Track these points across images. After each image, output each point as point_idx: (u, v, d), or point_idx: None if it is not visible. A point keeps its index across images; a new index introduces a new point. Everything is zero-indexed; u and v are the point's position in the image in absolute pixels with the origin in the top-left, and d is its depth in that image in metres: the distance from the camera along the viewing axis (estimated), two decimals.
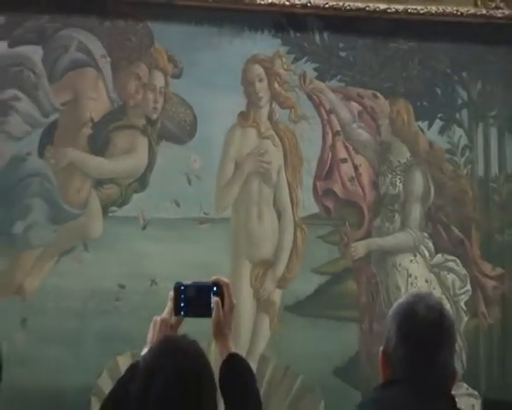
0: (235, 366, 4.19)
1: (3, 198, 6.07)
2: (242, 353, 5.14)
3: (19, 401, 5.10)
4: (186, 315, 4.35)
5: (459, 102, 6.59)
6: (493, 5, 6.58)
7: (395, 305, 3.74)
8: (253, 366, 6.04)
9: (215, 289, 4.36)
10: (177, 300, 4.40)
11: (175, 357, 3.62)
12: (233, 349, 4.16)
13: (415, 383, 3.57)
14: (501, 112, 6.64)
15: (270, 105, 6.39)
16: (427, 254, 6.21)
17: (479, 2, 6.56)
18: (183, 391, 3.53)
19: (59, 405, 5.90)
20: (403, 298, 3.76)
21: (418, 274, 5.59)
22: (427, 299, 3.67)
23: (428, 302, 3.65)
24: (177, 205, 6.23)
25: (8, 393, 4.37)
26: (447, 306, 4.80)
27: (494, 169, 6.59)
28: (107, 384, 5.85)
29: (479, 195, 6.57)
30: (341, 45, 6.43)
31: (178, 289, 4.38)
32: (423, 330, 3.58)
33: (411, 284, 5.10)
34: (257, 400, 4.20)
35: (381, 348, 3.66)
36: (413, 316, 3.59)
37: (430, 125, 6.54)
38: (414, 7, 6.47)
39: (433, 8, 6.48)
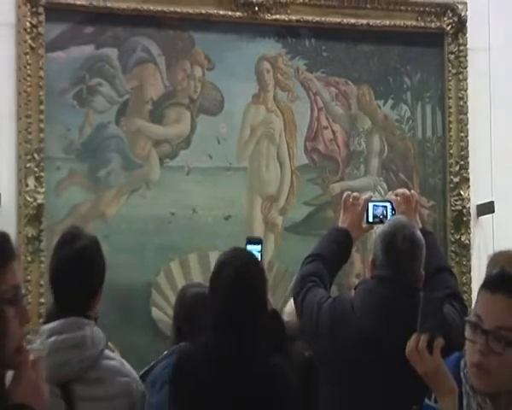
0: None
1: (92, 153, 6.33)
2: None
3: (103, 294, 5.33)
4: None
5: (404, 87, 6.89)
6: (429, 19, 6.83)
7: (380, 231, 4.22)
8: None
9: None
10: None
11: (241, 254, 4.09)
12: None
13: (395, 280, 4.03)
14: (433, 94, 6.93)
15: (274, 89, 6.70)
16: (382, 191, 6.56)
17: (419, 18, 6.83)
18: (246, 275, 3.91)
19: (130, 295, 6.20)
20: (386, 226, 4.24)
21: None
22: (402, 229, 4.13)
23: (404, 232, 4.08)
24: (211, 158, 6.55)
25: None
26: None
27: (428, 133, 6.91)
28: (163, 280, 6.32)
29: (418, 151, 6.89)
30: (324, 48, 6.73)
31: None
32: (401, 252, 4.04)
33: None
34: None
35: (371, 257, 4.21)
36: (393, 242, 4.05)
37: (385, 103, 6.86)
38: (374, 21, 6.75)
39: (387, 22, 6.77)
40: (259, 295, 3.96)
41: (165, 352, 4.45)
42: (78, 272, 3.87)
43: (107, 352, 3.86)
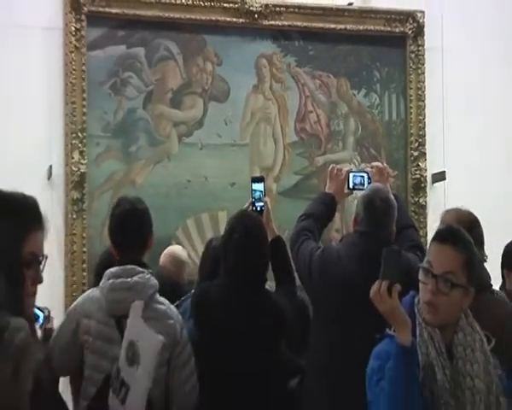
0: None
1: (124, 132, 6.32)
2: None
3: None
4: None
5: (374, 79, 6.87)
6: (394, 25, 6.82)
7: (361, 195, 4.24)
8: None
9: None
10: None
11: (247, 220, 4.08)
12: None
13: (373, 234, 4.05)
14: (397, 85, 6.91)
15: (270, 81, 6.67)
16: (356, 163, 6.54)
17: (386, 24, 6.80)
18: (252, 235, 3.99)
19: (155, 246, 5.66)
20: (366, 191, 4.25)
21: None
22: (378, 193, 4.14)
23: (380, 195, 4.10)
24: (219, 136, 6.54)
25: None
26: None
27: (393, 117, 6.90)
28: (180, 234, 6.33)
29: (385, 131, 6.88)
30: (310, 48, 6.70)
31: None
32: (378, 211, 4.05)
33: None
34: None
35: (353, 216, 4.21)
36: (372, 203, 4.06)
37: (358, 93, 6.83)
38: (350, 26, 6.73)
39: (361, 27, 6.75)
40: (262, 249, 4.04)
41: (193, 291, 4.44)
42: (132, 225, 3.94)
43: (158, 297, 3.86)
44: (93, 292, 3.99)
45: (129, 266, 3.86)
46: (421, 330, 3.04)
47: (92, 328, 3.83)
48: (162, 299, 3.90)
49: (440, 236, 3.11)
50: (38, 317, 3.88)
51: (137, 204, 4.10)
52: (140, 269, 3.86)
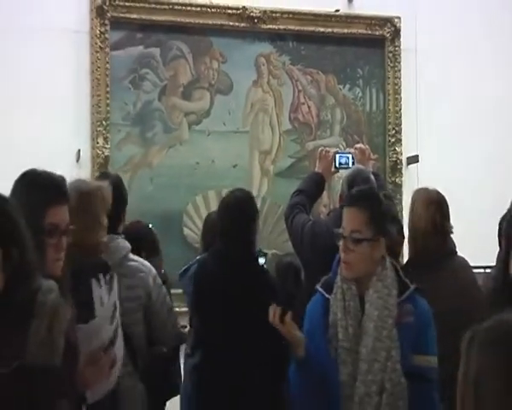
0: None
1: (142, 121, 6.30)
2: (255, 193, 5.66)
3: (151, 219, 5.24)
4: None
5: (358, 75, 6.83)
6: (374, 28, 6.80)
7: (346, 174, 4.24)
8: (259, 201, 6.26)
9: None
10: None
11: (237, 192, 4.16)
12: None
13: (357, 206, 4.02)
14: (377, 80, 6.88)
15: (268, 77, 6.64)
16: (342, 147, 6.45)
17: (367, 28, 6.78)
18: (242, 204, 4.02)
19: (169, 219, 6.20)
20: (349, 171, 4.26)
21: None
22: (361, 172, 4.16)
23: (362, 175, 4.10)
24: (224, 124, 6.51)
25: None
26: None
27: (374, 107, 6.87)
28: (191, 209, 6.35)
29: (366, 120, 6.85)
30: (302, 48, 6.67)
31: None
32: (361, 189, 3.80)
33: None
34: None
35: (339, 193, 4.23)
36: (354, 182, 4.01)
37: (344, 87, 6.80)
38: (337, 29, 6.70)
39: (346, 30, 6.72)
40: (250, 217, 4.01)
41: (198, 257, 4.46)
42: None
43: (131, 256, 3.78)
44: None
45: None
46: (336, 290, 3.03)
47: None
48: (136, 257, 3.83)
49: (348, 200, 3.15)
50: None
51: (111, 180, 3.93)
52: (115, 236, 3.77)
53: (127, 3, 6.28)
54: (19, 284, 2.16)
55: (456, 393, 1.93)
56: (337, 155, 4.68)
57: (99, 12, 6.19)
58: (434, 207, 3.99)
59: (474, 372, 1.87)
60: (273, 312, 2.90)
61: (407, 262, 4.21)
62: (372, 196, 3.15)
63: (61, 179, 2.65)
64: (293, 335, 2.94)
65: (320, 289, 3.13)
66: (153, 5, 6.35)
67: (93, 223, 3.41)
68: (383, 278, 2.99)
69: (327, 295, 3.07)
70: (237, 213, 3.99)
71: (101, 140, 6.18)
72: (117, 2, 6.24)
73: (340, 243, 3.03)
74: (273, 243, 6.33)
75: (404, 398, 2.89)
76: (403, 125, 6.92)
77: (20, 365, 2.04)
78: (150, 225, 4.84)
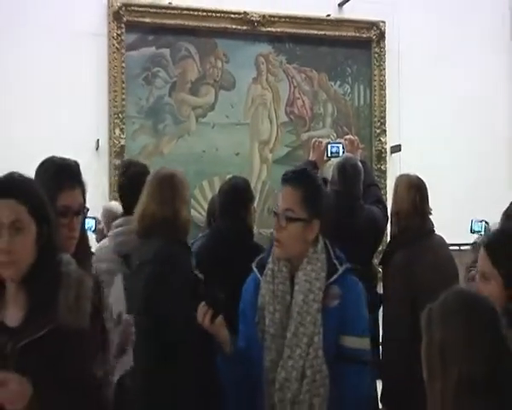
0: None
1: (154, 114, 6.29)
2: (255, 179, 5.64)
3: None
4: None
5: (347, 73, 6.82)
6: (362, 31, 6.80)
7: (336, 162, 4.23)
8: (259, 185, 6.46)
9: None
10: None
11: (233, 179, 4.09)
12: None
13: (344, 192, 4.03)
14: (364, 78, 6.87)
15: (267, 74, 6.63)
16: (333, 138, 6.43)
17: (356, 31, 6.76)
18: (238, 187, 3.96)
19: None
20: (340, 158, 4.25)
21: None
22: (350, 160, 4.17)
23: (351, 162, 4.12)
24: (227, 117, 6.51)
25: None
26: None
27: (361, 102, 6.87)
28: (198, 193, 6.27)
29: (355, 113, 6.84)
30: (297, 49, 6.67)
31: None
32: (349, 175, 4.02)
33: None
34: None
35: (330, 179, 4.10)
36: (344, 169, 4.06)
37: (335, 84, 6.79)
38: (328, 32, 6.69)
39: (337, 33, 6.71)
40: (246, 199, 3.96)
41: (200, 234, 4.43)
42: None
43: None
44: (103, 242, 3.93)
45: (128, 217, 3.70)
46: (267, 271, 2.71)
47: (103, 267, 3.61)
48: None
49: (283, 179, 2.75)
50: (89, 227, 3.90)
51: (137, 168, 3.88)
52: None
53: (141, 9, 6.30)
54: (48, 258, 2.18)
55: (422, 362, 1.95)
56: (329, 145, 4.69)
57: (116, 17, 6.21)
58: (415, 190, 4.01)
59: (438, 341, 1.90)
60: (203, 312, 2.56)
61: (391, 240, 4.23)
62: (308, 177, 2.78)
63: (75, 165, 2.64)
64: (222, 335, 2.61)
65: (254, 269, 2.79)
66: (164, 10, 6.35)
67: (181, 203, 3.40)
68: (313, 261, 2.65)
69: (259, 276, 2.74)
70: (234, 196, 3.96)
71: (117, 131, 6.19)
72: (132, 8, 6.26)
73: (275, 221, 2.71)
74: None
75: (326, 386, 2.57)
76: (387, 118, 6.91)
77: (53, 328, 2.05)
78: None
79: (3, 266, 2.15)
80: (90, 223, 4.40)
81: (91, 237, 4.38)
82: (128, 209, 3.68)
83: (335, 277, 2.65)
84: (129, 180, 3.73)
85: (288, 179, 2.73)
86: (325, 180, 2.90)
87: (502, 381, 1.86)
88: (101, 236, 4.63)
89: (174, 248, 3.28)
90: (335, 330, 2.61)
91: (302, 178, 2.74)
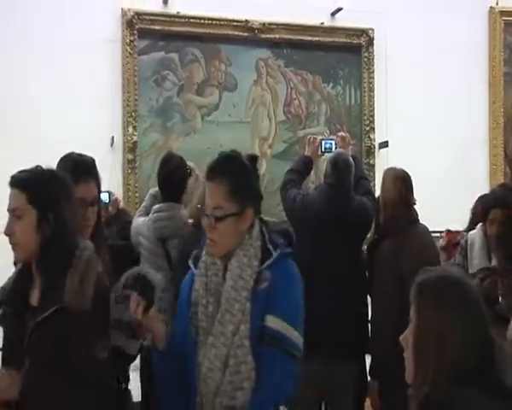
0: None
1: (164, 113, 6.27)
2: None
3: None
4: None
5: (339, 76, 6.80)
6: (353, 38, 6.74)
7: (329, 157, 4.19)
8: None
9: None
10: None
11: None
12: None
13: (337, 184, 3.98)
14: (355, 80, 6.83)
15: (266, 77, 6.61)
16: (326, 134, 6.38)
17: (347, 37, 6.74)
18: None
19: None
20: (332, 154, 4.20)
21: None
22: (342, 155, 4.11)
23: (342, 157, 4.05)
24: (230, 116, 6.48)
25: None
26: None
27: (352, 102, 6.84)
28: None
29: (346, 112, 6.82)
30: (294, 53, 6.65)
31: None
32: (341, 169, 3.98)
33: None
34: None
35: (324, 172, 4.14)
36: (337, 163, 4.00)
37: (328, 85, 6.77)
38: (322, 38, 6.66)
39: (330, 39, 6.68)
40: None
41: None
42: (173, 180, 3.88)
43: (191, 222, 3.72)
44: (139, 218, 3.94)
45: (169, 203, 3.83)
46: (200, 264, 2.39)
47: (144, 244, 3.80)
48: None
49: (207, 173, 2.37)
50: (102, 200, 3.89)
51: (177, 161, 4.06)
52: (177, 205, 3.84)
53: (152, 17, 6.28)
54: (57, 242, 2.19)
55: (408, 341, 1.87)
56: (322, 141, 4.67)
57: (129, 24, 6.19)
58: (400, 182, 4.01)
59: (434, 326, 1.81)
60: (136, 303, 2.27)
61: (378, 227, 4.23)
62: (231, 167, 2.36)
63: (90, 161, 2.67)
64: (155, 328, 2.33)
65: (190, 263, 2.46)
66: (172, 18, 6.33)
67: None
68: (246, 247, 2.31)
69: (194, 270, 2.42)
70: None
71: (130, 128, 6.17)
72: (143, 17, 6.24)
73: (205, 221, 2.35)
74: (271, 212, 6.15)
75: (251, 379, 2.20)
76: (376, 117, 6.90)
77: (59, 307, 2.06)
78: None
79: (12, 249, 2.25)
80: (104, 196, 4.43)
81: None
82: (168, 198, 3.82)
83: (269, 262, 2.31)
84: (170, 172, 3.85)
85: (210, 175, 2.34)
86: (253, 157, 2.48)
87: (491, 369, 1.78)
88: (115, 207, 4.67)
89: None
90: (262, 311, 2.26)
91: (225, 171, 2.33)
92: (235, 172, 2.34)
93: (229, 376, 2.21)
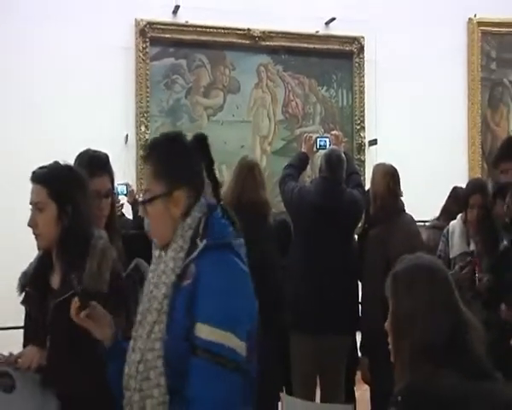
0: None
1: (173, 114, 6.28)
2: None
3: None
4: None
5: (333, 80, 6.80)
6: (346, 45, 6.75)
7: (323, 153, 4.15)
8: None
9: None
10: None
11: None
12: None
13: (330, 178, 3.94)
14: (347, 83, 6.81)
15: (266, 81, 6.61)
16: (321, 133, 6.15)
17: (340, 45, 6.74)
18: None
19: None
20: (326, 150, 4.15)
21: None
22: (335, 151, 4.07)
23: (336, 153, 4.03)
24: (233, 116, 6.49)
25: None
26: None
27: (344, 103, 6.78)
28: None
29: (339, 113, 6.78)
30: (292, 59, 6.65)
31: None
32: (334, 164, 3.94)
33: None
34: None
35: (319, 166, 4.10)
36: (330, 159, 3.97)
37: (322, 88, 6.76)
38: (318, 46, 6.66)
39: (325, 46, 6.67)
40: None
41: None
42: None
43: None
44: None
45: None
46: (154, 251, 1.98)
47: None
48: None
49: (143, 160, 2.02)
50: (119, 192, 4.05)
51: None
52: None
53: (162, 26, 6.28)
54: (75, 232, 2.20)
55: (388, 328, 1.83)
56: (317, 139, 4.63)
57: (142, 33, 6.20)
58: (389, 176, 4.00)
59: (406, 310, 1.78)
60: (73, 306, 1.99)
61: (368, 217, 4.22)
62: (160, 147, 2.00)
63: (104, 157, 2.66)
64: (92, 329, 1.98)
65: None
66: (181, 27, 6.34)
67: (259, 186, 3.67)
68: (176, 239, 1.89)
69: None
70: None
71: (143, 127, 6.18)
72: (155, 26, 6.24)
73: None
74: (271, 204, 6.25)
75: (162, 386, 1.76)
76: (366, 117, 6.90)
77: (83, 288, 2.03)
78: None
79: (35, 238, 2.26)
80: (121, 188, 4.60)
81: (123, 199, 4.77)
82: None
83: (194, 255, 1.84)
84: None
85: (143, 158, 2.05)
86: (199, 138, 2.14)
87: (460, 347, 1.73)
88: (132, 197, 4.73)
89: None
90: (185, 317, 1.78)
91: (153, 152, 1.99)
92: (163, 151, 1.97)
93: (137, 383, 1.79)
